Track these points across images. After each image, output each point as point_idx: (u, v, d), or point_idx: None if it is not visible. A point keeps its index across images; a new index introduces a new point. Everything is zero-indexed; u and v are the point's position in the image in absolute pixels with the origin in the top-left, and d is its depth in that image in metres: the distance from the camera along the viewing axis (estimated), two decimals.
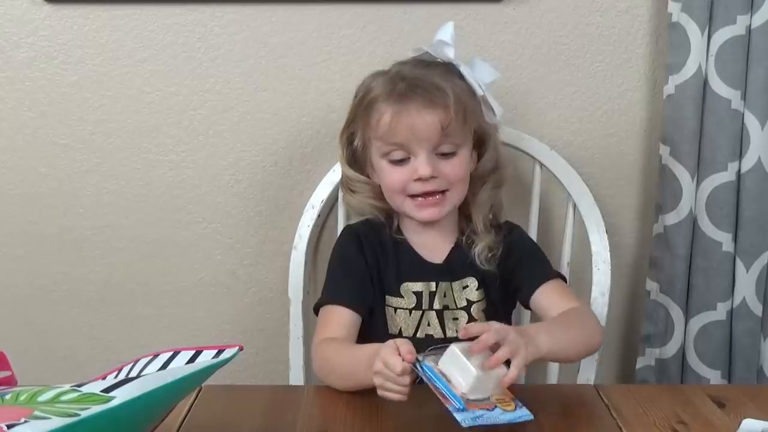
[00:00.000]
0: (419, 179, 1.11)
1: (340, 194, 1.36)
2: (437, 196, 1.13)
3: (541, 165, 1.36)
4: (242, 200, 1.46)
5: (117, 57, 1.40)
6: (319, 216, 1.36)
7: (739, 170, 1.36)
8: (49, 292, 1.48)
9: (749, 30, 1.32)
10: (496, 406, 0.87)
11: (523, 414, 0.87)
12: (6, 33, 1.38)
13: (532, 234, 1.33)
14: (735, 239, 1.38)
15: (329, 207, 1.40)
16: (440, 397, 0.87)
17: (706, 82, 1.34)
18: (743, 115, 1.34)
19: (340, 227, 1.35)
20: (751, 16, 1.31)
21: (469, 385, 0.87)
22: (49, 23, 1.38)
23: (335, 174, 1.36)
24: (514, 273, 1.19)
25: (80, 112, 1.42)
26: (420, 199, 1.13)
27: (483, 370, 0.88)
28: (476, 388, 0.88)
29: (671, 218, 1.39)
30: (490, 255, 1.17)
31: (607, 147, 1.45)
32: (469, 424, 0.84)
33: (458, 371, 0.88)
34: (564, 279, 1.21)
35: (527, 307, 1.19)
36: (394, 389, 0.89)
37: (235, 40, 1.39)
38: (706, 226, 1.38)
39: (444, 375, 0.89)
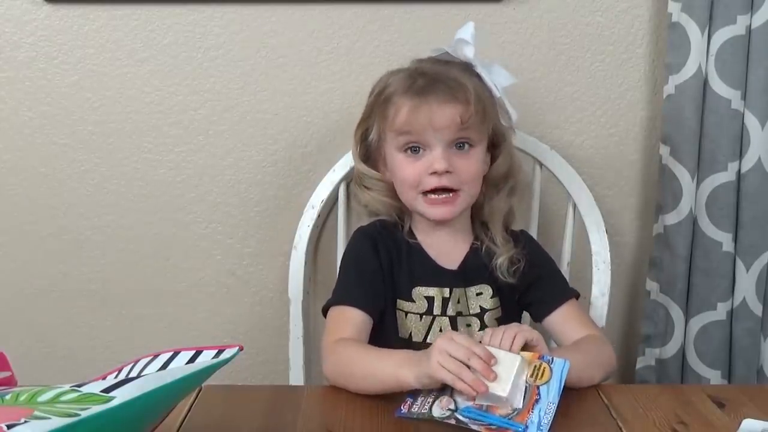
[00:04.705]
0: (434, 173, 1.10)
1: (341, 194, 1.36)
2: (449, 194, 1.12)
3: (541, 165, 1.36)
4: (242, 200, 1.46)
5: (117, 57, 1.40)
6: (319, 216, 1.36)
7: (739, 170, 1.36)
8: (49, 292, 1.48)
9: (749, 30, 1.32)
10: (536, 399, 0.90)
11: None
12: (6, 33, 1.38)
13: (532, 234, 1.33)
14: (735, 239, 1.38)
15: (329, 207, 1.40)
16: None
17: (706, 82, 1.34)
18: (743, 115, 1.34)
19: (340, 227, 1.35)
20: (751, 16, 1.32)
21: (513, 376, 0.89)
22: (49, 23, 1.38)
23: (335, 174, 1.36)
24: (530, 287, 1.19)
25: (80, 112, 1.42)
26: (432, 196, 1.12)
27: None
28: (518, 378, 0.90)
29: (671, 218, 1.39)
30: (513, 268, 1.16)
31: (607, 147, 1.45)
32: None
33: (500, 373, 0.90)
34: (578, 295, 1.20)
35: (538, 322, 1.19)
36: (462, 356, 0.89)
37: (235, 40, 1.40)
38: (706, 226, 1.38)
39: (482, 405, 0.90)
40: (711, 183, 1.36)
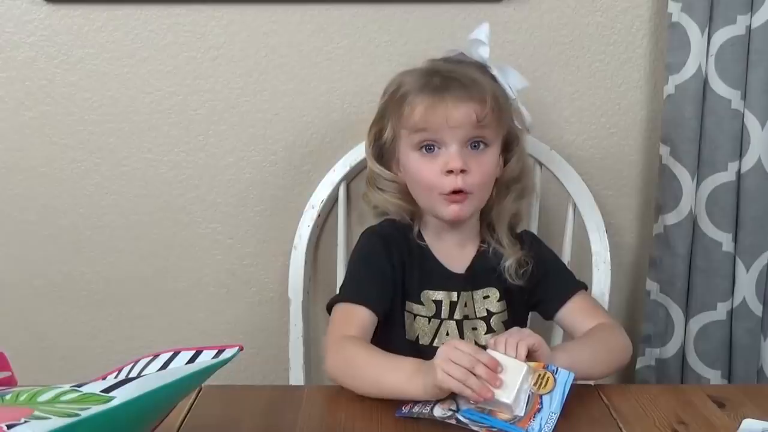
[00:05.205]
0: (450, 172, 1.08)
1: (341, 194, 1.36)
2: (461, 195, 1.10)
3: (541, 165, 1.36)
4: (242, 200, 1.46)
5: (117, 57, 1.40)
6: (319, 216, 1.36)
7: (739, 170, 1.36)
8: (49, 292, 1.48)
9: (749, 30, 1.32)
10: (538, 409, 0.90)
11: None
12: (6, 33, 1.38)
13: None
14: (735, 239, 1.38)
15: (329, 207, 1.40)
16: None
17: (706, 82, 1.34)
18: (743, 115, 1.34)
19: (340, 227, 1.35)
20: (751, 16, 1.32)
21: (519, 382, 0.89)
22: (49, 23, 1.38)
23: (335, 174, 1.36)
24: (537, 286, 1.18)
25: (80, 112, 1.42)
26: (448, 195, 1.11)
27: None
28: (524, 383, 0.90)
29: (671, 218, 1.39)
30: (521, 271, 1.16)
31: (607, 147, 1.45)
32: None
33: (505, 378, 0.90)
34: (585, 287, 1.20)
35: (549, 319, 1.19)
36: (466, 363, 0.88)
37: (235, 40, 1.39)
38: (706, 226, 1.38)
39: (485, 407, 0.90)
40: (711, 183, 1.36)
